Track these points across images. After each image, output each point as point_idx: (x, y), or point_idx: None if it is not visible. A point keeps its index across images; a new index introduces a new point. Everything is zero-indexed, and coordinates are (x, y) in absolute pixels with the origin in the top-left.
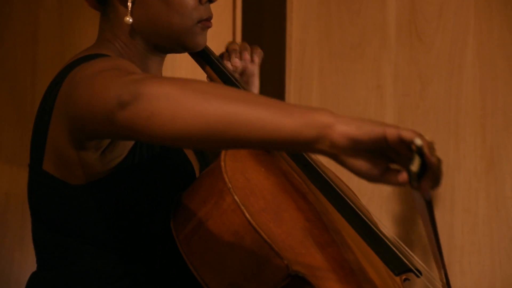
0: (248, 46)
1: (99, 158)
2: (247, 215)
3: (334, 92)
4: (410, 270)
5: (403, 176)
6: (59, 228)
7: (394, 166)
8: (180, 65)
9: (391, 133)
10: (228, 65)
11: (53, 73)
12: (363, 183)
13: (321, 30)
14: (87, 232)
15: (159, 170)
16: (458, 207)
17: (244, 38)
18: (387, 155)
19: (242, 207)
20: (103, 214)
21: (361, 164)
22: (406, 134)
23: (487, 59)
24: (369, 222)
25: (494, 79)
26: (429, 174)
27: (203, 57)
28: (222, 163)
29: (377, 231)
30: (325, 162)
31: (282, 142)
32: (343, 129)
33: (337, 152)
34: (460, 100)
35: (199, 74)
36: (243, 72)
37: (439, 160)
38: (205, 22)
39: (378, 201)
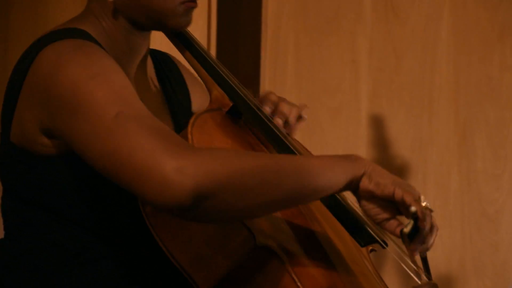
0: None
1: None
2: None
3: (309, 66)
4: (376, 241)
5: (396, 228)
6: (26, 199)
7: (400, 217)
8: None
9: (397, 194)
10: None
11: (26, 41)
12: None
13: (297, 3)
14: (54, 205)
15: None
16: (430, 181)
17: (220, 11)
18: (397, 207)
19: None
20: (69, 187)
21: (372, 207)
22: (407, 198)
23: (461, 34)
24: (336, 195)
25: (468, 54)
26: (418, 238)
27: (183, 41)
28: (189, 136)
29: (344, 203)
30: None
31: (327, 194)
32: (366, 183)
33: (357, 196)
34: (434, 75)
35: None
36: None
37: (433, 228)
38: (189, 3)
39: None
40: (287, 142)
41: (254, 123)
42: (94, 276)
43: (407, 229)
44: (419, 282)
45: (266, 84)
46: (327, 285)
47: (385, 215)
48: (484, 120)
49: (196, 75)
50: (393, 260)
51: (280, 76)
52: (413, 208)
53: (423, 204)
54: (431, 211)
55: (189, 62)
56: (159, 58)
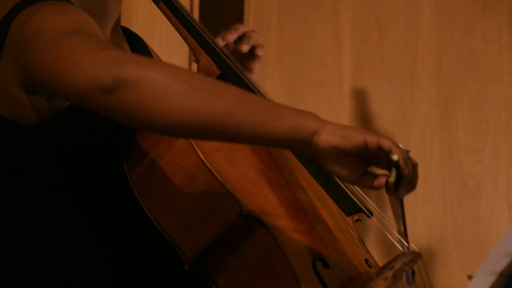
0: (254, 36)
1: (49, 102)
2: (200, 154)
3: (292, 39)
4: (361, 211)
5: (379, 182)
6: (9, 167)
7: (372, 169)
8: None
9: (371, 141)
10: (220, 41)
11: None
12: None
13: None
14: (38, 173)
15: None
16: (412, 155)
17: None
18: (366, 159)
19: (196, 147)
20: (53, 155)
21: (341, 168)
22: (384, 144)
23: (444, 7)
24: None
25: (451, 28)
26: (404, 184)
27: (170, 7)
28: None
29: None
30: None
31: (270, 143)
32: (328, 138)
33: (321, 157)
34: (417, 49)
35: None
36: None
37: (414, 167)
38: None
39: None
40: None
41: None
42: (81, 242)
43: (392, 179)
44: (403, 251)
45: None
46: (312, 253)
47: (358, 172)
48: (466, 94)
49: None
50: (378, 230)
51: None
52: (395, 157)
53: (400, 146)
54: (408, 152)
55: (176, 29)
56: (132, 35)
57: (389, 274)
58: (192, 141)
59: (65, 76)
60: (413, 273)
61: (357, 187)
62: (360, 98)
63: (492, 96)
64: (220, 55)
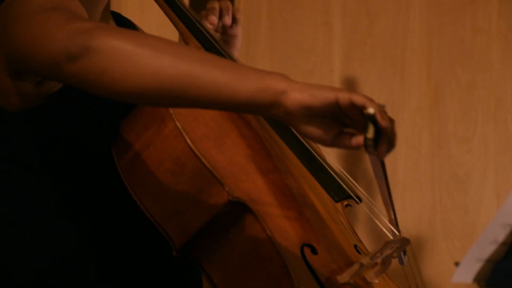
0: (230, 6)
1: (35, 87)
2: (188, 141)
3: (283, 28)
4: (350, 197)
5: (357, 140)
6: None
7: (348, 130)
8: None
9: (343, 98)
10: (207, 24)
11: None
12: None
13: None
14: (28, 160)
15: (100, 98)
16: (402, 143)
17: None
18: (340, 120)
19: (184, 133)
20: (39, 142)
21: (314, 129)
22: (357, 100)
23: None
24: (311, 150)
25: (440, 17)
26: (384, 138)
27: None
28: None
29: (320, 159)
30: None
31: (236, 106)
32: (297, 96)
33: (291, 118)
34: (406, 38)
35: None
36: (224, 32)
37: (392, 122)
38: None
39: None
40: None
41: None
42: (67, 230)
43: (370, 134)
44: (392, 238)
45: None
46: (301, 239)
47: (332, 133)
48: (455, 83)
49: None
50: (367, 216)
51: (253, 38)
52: (371, 110)
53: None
54: (384, 106)
55: (166, 14)
56: (124, 21)
57: (378, 260)
58: (180, 127)
59: (36, 47)
60: (405, 252)
61: (347, 175)
62: (350, 87)
63: (481, 85)
64: (210, 40)
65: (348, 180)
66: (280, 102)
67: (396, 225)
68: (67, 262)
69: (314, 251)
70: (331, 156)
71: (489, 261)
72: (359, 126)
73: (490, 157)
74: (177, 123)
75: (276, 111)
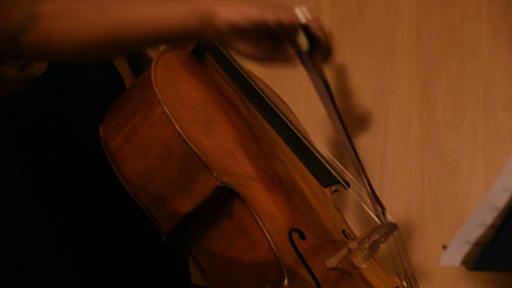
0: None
1: (18, 72)
2: (177, 127)
3: None
4: (338, 182)
5: (290, 52)
6: None
7: (282, 46)
8: None
9: (271, 20)
10: None
11: None
12: (299, 106)
13: None
14: (8, 146)
15: (86, 83)
16: (391, 130)
17: None
18: (273, 34)
19: (172, 119)
20: (25, 128)
21: (248, 47)
22: (285, 20)
23: None
24: (300, 135)
25: (430, 4)
26: (320, 50)
27: None
28: (152, 74)
29: (308, 144)
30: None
31: (172, 35)
32: (225, 16)
33: (224, 39)
34: (396, 24)
35: None
36: None
37: (326, 32)
38: None
39: (313, 124)
40: (251, 81)
41: (217, 61)
42: (52, 213)
43: (304, 45)
44: (379, 223)
45: None
46: (289, 224)
47: (268, 49)
48: (445, 70)
49: None
50: (356, 202)
51: None
52: (302, 19)
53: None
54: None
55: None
56: None
57: (366, 245)
58: (168, 113)
59: None
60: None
61: (335, 160)
62: (339, 74)
63: (471, 72)
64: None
65: (336, 166)
66: (210, 24)
67: (375, 199)
68: (51, 246)
69: (302, 236)
70: (320, 142)
71: (477, 244)
72: (291, 39)
73: (479, 144)
74: (165, 109)
75: (209, 33)
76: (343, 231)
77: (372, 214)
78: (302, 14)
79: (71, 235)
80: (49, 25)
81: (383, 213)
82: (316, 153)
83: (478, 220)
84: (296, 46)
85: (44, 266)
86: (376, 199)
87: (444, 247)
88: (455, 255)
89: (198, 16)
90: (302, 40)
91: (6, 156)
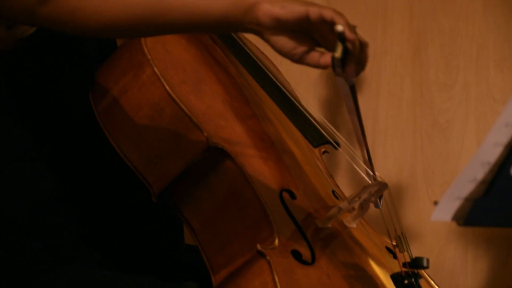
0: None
1: (6, 31)
2: (166, 87)
3: None
4: (328, 142)
5: (325, 59)
6: None
7: (319, 49)
8: None
9: (313, 11)
10: None
11: None
12: (291, 69)
13: None
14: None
15: (76, 43)
16: (383, 91)
17: None
18: (312, 37)
19: (162, 79)
20: (15, 86)
21: (285, 42)
22: (327, 14)
23: None
24: (290, 96)
25: None
26: (352, 59)
27: None
28: (143, 41)
29: (298, 105)
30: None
31: (210, 25)
32: (268, 8)
33: (263, 30)
34: None
35: None
36: None
37: (362, 44)
38: None
39: (306, 86)
40: (240, 42)
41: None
42: (44, 175)
43: (338, 53)
44: (370, 182)
45: None
46: (279, 184)
47: (302, 48)
48: (437, 30)
49: None
50: (347, 164)
51: None
52: (339, 27)
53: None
54: (355, 27)
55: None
56: None
57: (356, 204)
58: (158, 73)
59: None
60: (381, 197)
61: (326, 121)
62: None
63: (464, 32)
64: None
65: (326, 126)
66: (252, 15)
67: (370, 165)
68: (44, 208)
69: (292, 196)
70: (312, 105)
71: (468, 199)
72: (330, 45)
73: (471, 104)
74: (155, 69)
75: (248, 25)
76: (333, 191)
77: (362, 173)
78: (341, 19)
79: (61, 196)
80: (73, 1)
81: (373, 173)
82: (306, 113)
83: (469, 176)
84: (333, 54)
85: (45, 224)
86: (370, 165)
87: (435, 203)
88: (446, 211)
89: (241, 8)
90: (338, 47)
91: (7, 113)
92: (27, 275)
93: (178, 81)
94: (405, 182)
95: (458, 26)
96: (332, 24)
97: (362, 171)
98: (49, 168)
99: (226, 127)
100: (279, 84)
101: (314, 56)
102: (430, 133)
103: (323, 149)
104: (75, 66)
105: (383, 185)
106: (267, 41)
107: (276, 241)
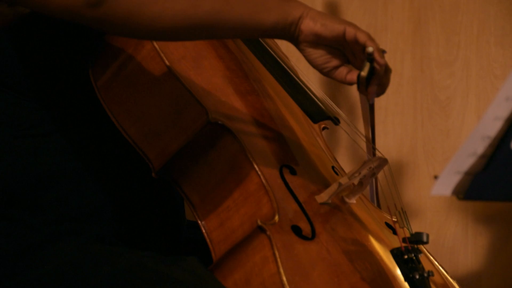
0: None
1: (8, 8)
2: (166, 62)
3: None
4: (328, 118)
5: (352, 76)
6: None
7: (347, 66)
8: None
9: (349, 31)
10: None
11: None
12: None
13: None
14: (4, 78)
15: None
16: None
17: None
18: (343, 53)
19: (162, 54)
20: (17, 61)
21: (318, 55)
22: (360, 36)
23: None
24: (290, 71)
25: None
26: (375, 80)
27: None
28: None
29: (298, 80)
30: None
31: (258, 34)
32: (310, 24)
33: (301, 42)
34: None
35: None
36: None
37: (387, 69)
38: None
39: (306, 63)
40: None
41: None
42: (46, 149)
43: (364, 72)
44: (369, 157)
45: None
46: (279, 160)
47: (333, 63)
48: (438, 6)
49: None
50: (345, 138)
51: None
52: (370, 49)
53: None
54: (384, 52)
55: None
56: None
57: (356, 180)
58: (158, 48)
59: None
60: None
61: (327, 97)
62: (332, 11)
63: (464, 8)
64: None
65: (326, 102)
66: (296, 29)
67: (373, 142)
68: (43, 181)
69: (292, 171)
70: (313, 81)
71: (468, 173)
72: (358, 64)
73: (472, 81)
74: (155, 44)
75: (290, 36)
76: (333, 167)
77: (362, 148)
78: (372, 43)
79: (61, 171)
80: (129, 6)
81: (374, 149)
82: (306, 89)
83: (470, 150)
84: (359, 72)
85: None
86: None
87: (436, 177)
88: (446, 185)
89: (288, 20)
90: (366, 67)
91: (7, 89)
92: (28, 250)
93: (178, 57)
94: (406, 159)
95: (458, 2)
96: (363, 45)
97: (362, 147)
98: (50, 144)
99: (225, 102)
100: (279, 60)
101: (342, 71)
102: (430, 109)
103: (322, 125)
104: (75, 42)
105: (383, 161)
106: (301, 51)
107: (276, 217)
